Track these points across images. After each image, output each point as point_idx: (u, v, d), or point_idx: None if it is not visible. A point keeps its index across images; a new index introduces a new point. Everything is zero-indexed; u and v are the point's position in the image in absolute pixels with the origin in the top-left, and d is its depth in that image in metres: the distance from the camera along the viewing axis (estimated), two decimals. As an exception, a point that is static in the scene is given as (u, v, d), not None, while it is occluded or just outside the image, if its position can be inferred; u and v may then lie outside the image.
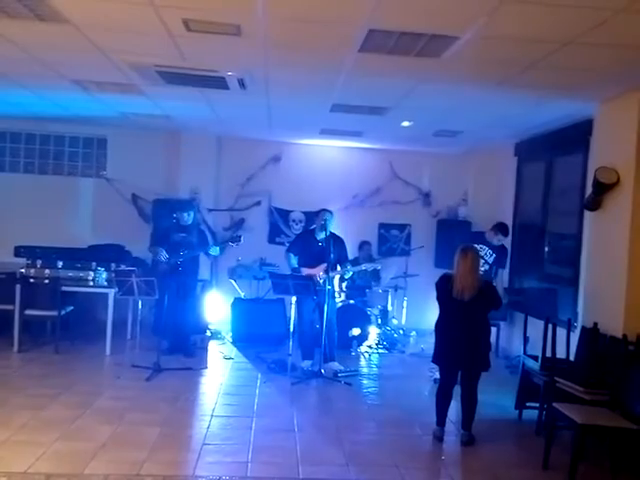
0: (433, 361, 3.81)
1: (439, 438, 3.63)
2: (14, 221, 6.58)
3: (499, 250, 5.28)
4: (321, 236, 5.10)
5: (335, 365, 5.07)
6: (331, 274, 4.93)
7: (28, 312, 5.22)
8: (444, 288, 3.66)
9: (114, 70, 4.08)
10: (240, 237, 5.40)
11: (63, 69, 4.18)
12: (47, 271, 5.44)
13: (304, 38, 3.20)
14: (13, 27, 3.24)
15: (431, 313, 6.69)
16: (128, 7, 2.86)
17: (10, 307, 5.20)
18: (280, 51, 3.47)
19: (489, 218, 6.68)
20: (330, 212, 5.19)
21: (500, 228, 5.31)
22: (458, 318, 3.61)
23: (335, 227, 5.40)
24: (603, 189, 3.99)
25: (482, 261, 5.13)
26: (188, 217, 5.39)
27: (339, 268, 5.12)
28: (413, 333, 6.64)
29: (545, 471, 3.28)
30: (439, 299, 3.74)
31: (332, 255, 4.89)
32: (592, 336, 3.83)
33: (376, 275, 6.44)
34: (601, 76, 3.57)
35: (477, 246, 5.24)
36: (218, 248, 5.38)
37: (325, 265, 4.91)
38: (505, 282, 6.22)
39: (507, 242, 5.69)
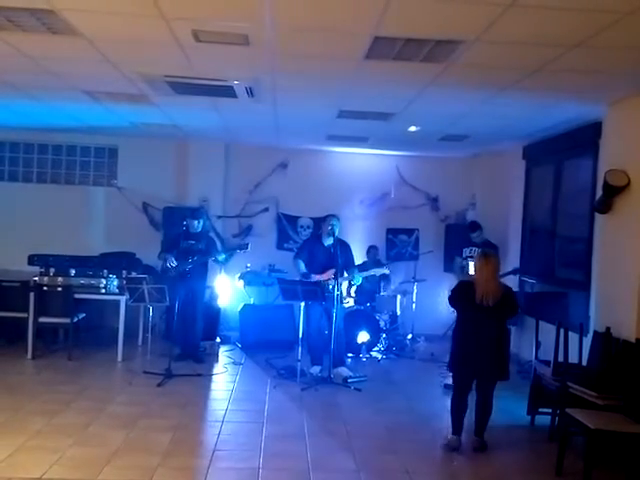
0: (451, 369, 3.74)
1: (455, 448, 3.54)
2: (27, 230, 6.68)
3: (488, 247, 5.45)
4: (328, 241, 5.13)
5: (344, 371, 5.06)
6: (340, 279, 4.94)
7: (41, 319, 5.29)
8: (466, 295, 3.57)
9: (125, 81, 4.16)
10: (247, 245, 5.45)
11: (75, 81, 4.26)
12: (60, 279, 5.51)
13: (311, 47, 3.24)
14: (27, 41, 3.32)
15: (440, 318, 6.70)
16: (139, 20, 2.92)
17: (24, 315, 5.27)
18: (287, 60, 3.51)
19: (498, 222, 6.68)
20: (337, 217, 5.22)
21: (468, 228, 5.65)
22: (482, 325, 3.54)
23: (342, 232, 5.44)
24: (613, 192, 3.97)
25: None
26: (198, 225, 5.45)
27: (346, 274, 5.13)
28: (422, 338, 6.61)
29: (558, 478, 3.25)
30: (459, 307, 3.65)
31: (339, 260, 4.91)
32: (605, 340, 3.80)
33: (385, 279, 6.44)
34: (610, 78, 3.56)
35: (467, 249, 5.39)
36: (224, 256, 5.43)
37: (333, 270, 4.93)
38: (515, 286, 6.20)
39: (492, 239, 5.77)
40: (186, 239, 5.40)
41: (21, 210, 6.84)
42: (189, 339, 5.43)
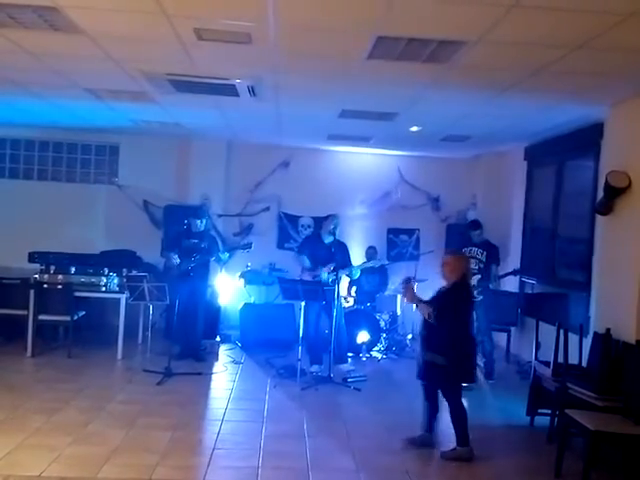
0: (469, 377, 3.55)
1: (471, 459, 3.43)
2: (28, 228, 6.67)
3: (488, 247, 5.44)
4: (328, 239, 5.21)
5: (346, 366, 5.08)
6: (340, 272, 5.03)
7: (41, 317, 5.28)
8: (470, 295, 3.60)
9: (126, 79, 4.15)
10: (251, 244, 5.47)
11: (77, 78, 4.26)
12: (60, 277, 5.50)
13: (313, 46, 3.24)
14: (29, 38, 3.32)
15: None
16: (141, 17, 2.92)
17: (24, 312, 5.27)
18: (290, 58, 3.51)
19: (499, 222, 6.67)
20: (338, 217, 5.37)
21: (469, 226, 5.60)
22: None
23: (343, 232, 5.58)
24: (615, 193, 3.96)
25: (476, 260, 5.31)
26: (200, 224, 5.45)
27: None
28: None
29: (557, 479, 3.24)
30: (468, 308, 3.56)
31: (337, 257, 5.01)
32: (605, 342, 3.79)
33: (384, 275, 6.46)
34: (612, 80, 3.56)
35: (466, 249, 5.42)
36: (227, 254, 5.44)
37: (332, 265, 5.04)
38: (515, 287, 6.20)
39: (492, 239, 5.78)
40: (188, 238, 5.40)
41: (22, 207, 6.82)
42: (190, 338, 5.42)
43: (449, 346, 3.46)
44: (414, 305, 3.56)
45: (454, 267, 3.51)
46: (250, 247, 5.41)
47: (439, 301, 3.51)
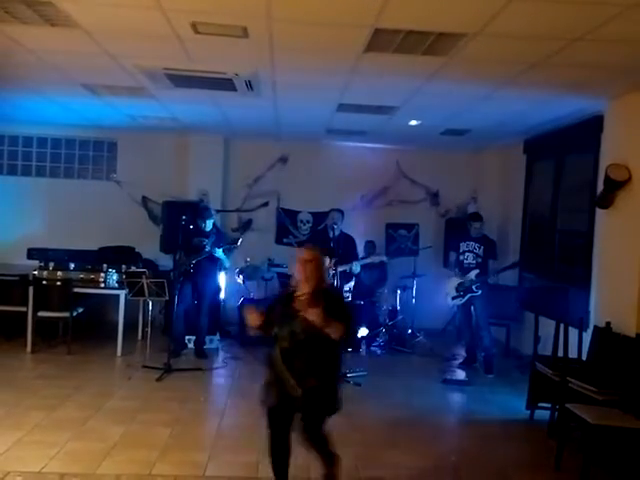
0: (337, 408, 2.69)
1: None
2: (27, 224, 6.67)
3: (485, 241, 5.43)
4: (332, 234, 5.29)
5: None
6: (339, 268, 5.05)
7: (41, 313, 5.28)
8: None
9: (123, 73, 4.12)
10: (237, 240, 5.51)
11: (73, 73, 4.23)
12: (59, 273, 5.49)
13: (310, 39, 3.21)
14: (25, 33, 3.29)
15: (439, 313, 6.70)
16: (137, 11, 2.89)
17: (23, 309, 5.27)
18: (287, 52, 3.48)
19: (498, 216, 6.66)
20: (340, 211, 5.45)
21: (469, 218, 5.58)
22: None
23: (342, 227, 5.57)
24: (615, 186, 3.95)
25: (474, 254, 5.30)
26: (205, 226, 5.43)
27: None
28: (421, 333, 6.61)
29: (557, 473, 3.25)
30: None
31: (340, 252, 5.07)
32: (605, 336, 3.79)
33: (383, 270, 6.47)
34: (611, 72, 3.53)
35: (464, 243, 5.40)
36: (221, 250, 5.41)
37: (333, 260, 5.06)
38: (515, 281, 6.19)
39: (492, 233, 5.77)
40: (196, 236, 5.37)
41: (20, 204, 6.80)
42: (194, 334, 5.43)
43: (338, 363, 2.71)
44: (323, 327, 2.48)
45: (319, 264, 2.71)
46: (236, 244, 5.42)
47: (339, 314, 2.57)
